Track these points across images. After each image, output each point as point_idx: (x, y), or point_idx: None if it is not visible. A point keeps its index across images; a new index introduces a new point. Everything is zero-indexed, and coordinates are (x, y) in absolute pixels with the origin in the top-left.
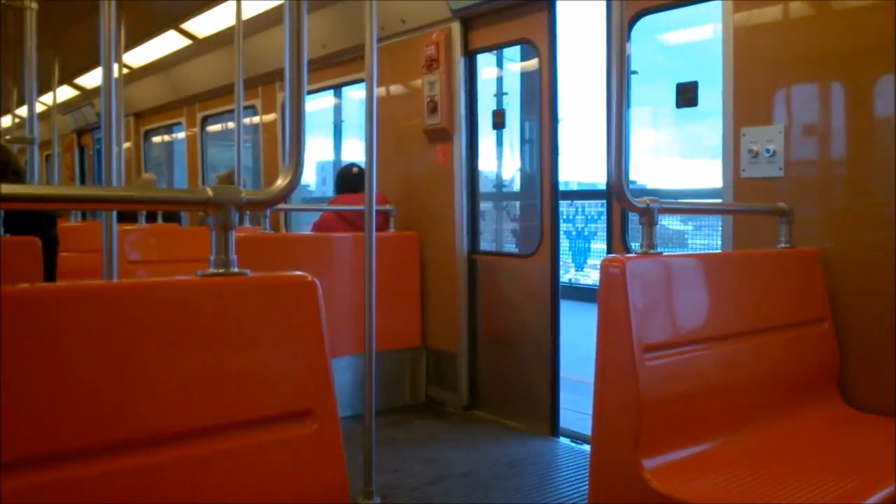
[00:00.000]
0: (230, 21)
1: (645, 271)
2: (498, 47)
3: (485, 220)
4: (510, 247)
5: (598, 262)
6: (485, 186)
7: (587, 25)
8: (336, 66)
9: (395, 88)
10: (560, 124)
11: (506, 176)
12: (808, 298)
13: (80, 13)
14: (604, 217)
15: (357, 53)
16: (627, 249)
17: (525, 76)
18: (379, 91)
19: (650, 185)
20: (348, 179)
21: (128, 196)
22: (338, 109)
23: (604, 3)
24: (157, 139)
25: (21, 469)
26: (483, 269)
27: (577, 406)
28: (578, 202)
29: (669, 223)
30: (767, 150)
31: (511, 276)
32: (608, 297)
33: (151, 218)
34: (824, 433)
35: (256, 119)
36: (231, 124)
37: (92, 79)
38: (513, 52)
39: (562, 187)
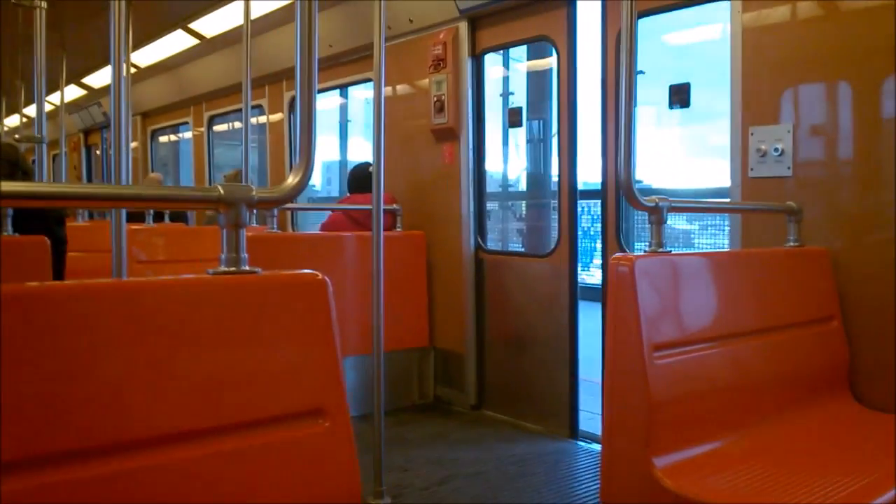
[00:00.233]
0: (238, 21)
1: (654, 270)
2: (511, 45)
3: (499, 220)
4: (519, 246)
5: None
6: (497, 186)
7: (586, 25)
8: (342, 66)
9: (402, 88)
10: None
11: (518, 175)
12: (817, 297)
13: (88, 13)
14: None
15: (363, 53)
16: (622, 249)
17: (533, 76)
18: (386, 91)
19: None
20: (362, 178)
21: (139, 194)
22: (343, 109)
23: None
24: (163, 139)
25: (34, 468)
26: (492, 269)
27: (585, 405)
28: (583, 202)
29: (674, 222)
30: (776, 150)
31: (525, 277)
32: (617, 295)
33: (158, 218)
34: (835, 431)
35: (263, 119)
36: (237, 124)
37: (99, 78)
38: (519, 52)
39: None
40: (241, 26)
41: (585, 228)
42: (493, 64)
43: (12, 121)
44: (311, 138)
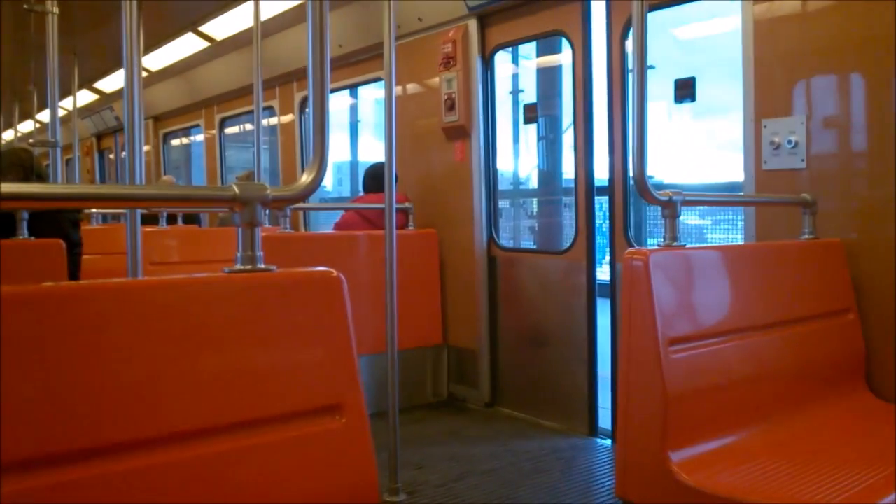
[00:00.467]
0: (248, 23)
1: (668, 264)
2: (523, 42)
3: (513, 217)
4: (531, 243)
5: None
6: (509, 183)
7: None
8: (352, 66)
9: (413, 87)
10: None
11: (529, 173)
12: (832, 289)
13: (100, 17)
14: None
15: (373, 53)
16: (629, 244)
17: (542, 72)
18: (396, 90)
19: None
20: (379, 178)
21: (154, 194)
22: (354, 109)
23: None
24: (175, 142)
25: (58, 464)
26: (506, 266)
27: (603, 402)
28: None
29: (686, 217)
30: (789, 142)
31: (540, 274)
32: (632, 290)
33: (171, 221)
34: (851, 424)
35: (274, 120)
36: (249, 126)
37: (111, 83)
38: (527, 49)
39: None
40: (250, 28)
41: (597, 224)
42: (502, 61)
43: (26, 126)
44: (324, 137)
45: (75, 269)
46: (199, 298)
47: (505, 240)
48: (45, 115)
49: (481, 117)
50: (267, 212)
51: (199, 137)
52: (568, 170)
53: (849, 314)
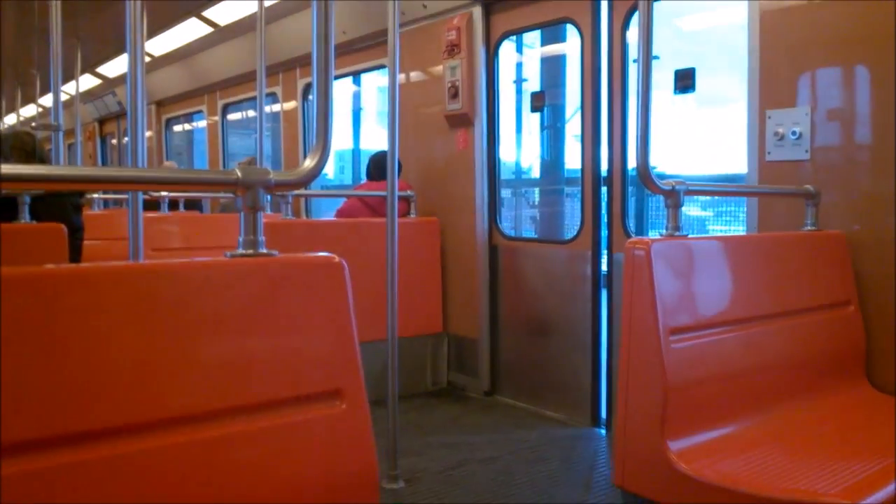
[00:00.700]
0: (252, 8)
1: (670, 253)
2: (530, 29)
3: (517, 206)
4: (533, 233)
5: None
6: (511, 173)
7: None
8: (356, 53)
9: (416, 74)
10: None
11: (533, 161)
12: (834, 281)
13: (103, 2)
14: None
15: (376, 40)
16: (628, 234)
17: (546, 61)
18: (399, 77)
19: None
20: (381, 166)
21: (157, 177)
22: (356, 97)
23: None
24: (178, 128)
25: (53, 448)
26: (508, 255)
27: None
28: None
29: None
30: (794, 133)
31: (544, 263)
32: (633, 279)
33: (173, 207)
34: (850, 416)
35: (277, 107)
36: (251, 112)
37: (113, 68)
38: (531, 38)
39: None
40: (254, 14)
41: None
42: (504, 50)
43: (28, 111)
44: (327, 122)
45: (76, 254)
46: (200, 282)
47: (507, 229)
48: (47, 100)
49: (484, 106)
50: (269, 198)
51: (202, 124)
52: (570, 160)
53: (849, 306)
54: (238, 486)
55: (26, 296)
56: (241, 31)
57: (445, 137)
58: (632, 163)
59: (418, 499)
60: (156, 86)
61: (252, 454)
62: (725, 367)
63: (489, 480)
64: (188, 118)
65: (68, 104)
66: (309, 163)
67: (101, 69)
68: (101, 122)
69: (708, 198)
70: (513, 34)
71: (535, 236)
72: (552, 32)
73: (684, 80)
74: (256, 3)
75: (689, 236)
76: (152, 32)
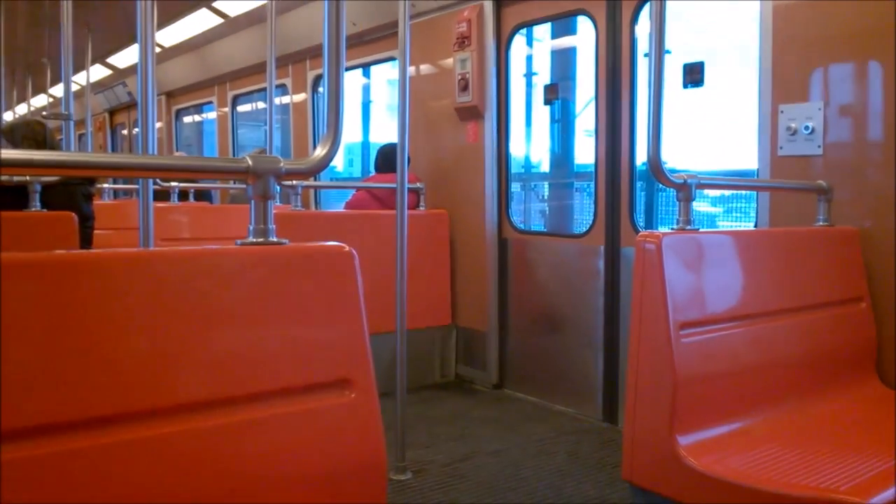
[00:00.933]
0: None
1: (681, 247)
2: (543, 21)
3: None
4: (541, 226)
5: None
6: (521, 166)
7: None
8: (366, 45)
9: (426, 67)
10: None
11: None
12: (845, 277)
13: None
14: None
15: (386, 32)
16: (636, 229)
17: (556, 54)
18: (410, 69)
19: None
20: (391, 158)
21: (168, 164)
22: (366, 89)
23: None
24: (188, 119)
25: (61, 434)
26: (518, 249)
27: None
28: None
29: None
30: (806, 128)
31: (555, 257)
32: (644, 273)
33: (183, 198)
34: (860, 413)
35: (286, 99)
36: (261, 104)
37: (124, 58)
38: (542, 31)
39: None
40: (265, 5)
41: None
42: (516, 42)
43: (39, 101)
44: (338, 111)
45: (87, 242)
46: (210, 270)
47: (516, 222)
48: (58, 90)
49: (495, 98)
50: (279, 189)
51: (212, 115)
52: (580, 154)
53: (861, 303)
54: (246, 474)
55: (37, 281)
56: (252, 22)
57: (455, 130)
58: (640, 157)
59: (426, 490)
60: (166, 77)
61: (261, 442)
62: (735, 362)
63: (497, 473)
64: (198, 109)
65: (79, 94)
66: (320, 152)
67: (112, 59)
68: (112, 112)
69: (717, 194)
70: (525, 26)
71: (547, 230)
72: (563, 25)
73: (693, 75)
74: None
75: (701, 230)
76: (163, 23)
